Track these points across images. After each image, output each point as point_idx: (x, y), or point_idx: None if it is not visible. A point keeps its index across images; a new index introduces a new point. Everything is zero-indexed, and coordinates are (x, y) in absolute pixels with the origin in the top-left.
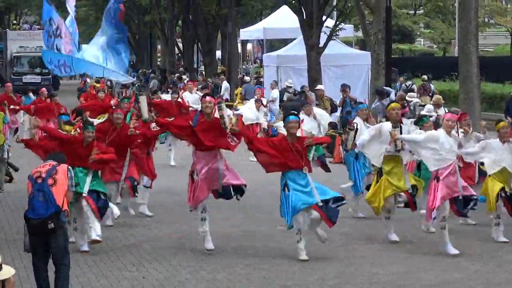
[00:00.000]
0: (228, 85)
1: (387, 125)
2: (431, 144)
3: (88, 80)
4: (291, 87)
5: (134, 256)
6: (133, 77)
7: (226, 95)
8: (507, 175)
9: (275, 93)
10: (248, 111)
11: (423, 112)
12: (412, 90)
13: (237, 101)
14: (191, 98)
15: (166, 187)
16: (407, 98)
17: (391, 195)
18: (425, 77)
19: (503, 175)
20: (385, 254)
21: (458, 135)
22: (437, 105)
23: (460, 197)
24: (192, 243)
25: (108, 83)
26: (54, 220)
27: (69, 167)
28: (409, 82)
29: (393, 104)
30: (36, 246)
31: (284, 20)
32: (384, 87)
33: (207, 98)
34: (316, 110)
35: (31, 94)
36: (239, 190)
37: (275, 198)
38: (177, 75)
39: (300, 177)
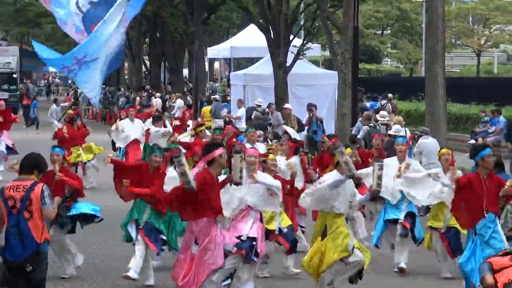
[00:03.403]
0: (182, 102)
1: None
2: None
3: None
4: (260, 105)
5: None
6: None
7: (179, 113)
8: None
9: (241, 111)
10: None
11: (390, 132)
12: (384, 109)
13: (204, 120)
14: (131, 128)
15: None
16: (378, 117)
17: None
18: (390, 96)
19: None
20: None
21: None
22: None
23: None
24: None
25: (72, 99)
26: (33, 262)
27: (44, 185)
28: (384, 101)
29: None
30: (14, 282)
31: (251, 39)
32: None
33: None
34: (287, 128)
35: None
36: None
37: None
38: (145, 93)
39: None
